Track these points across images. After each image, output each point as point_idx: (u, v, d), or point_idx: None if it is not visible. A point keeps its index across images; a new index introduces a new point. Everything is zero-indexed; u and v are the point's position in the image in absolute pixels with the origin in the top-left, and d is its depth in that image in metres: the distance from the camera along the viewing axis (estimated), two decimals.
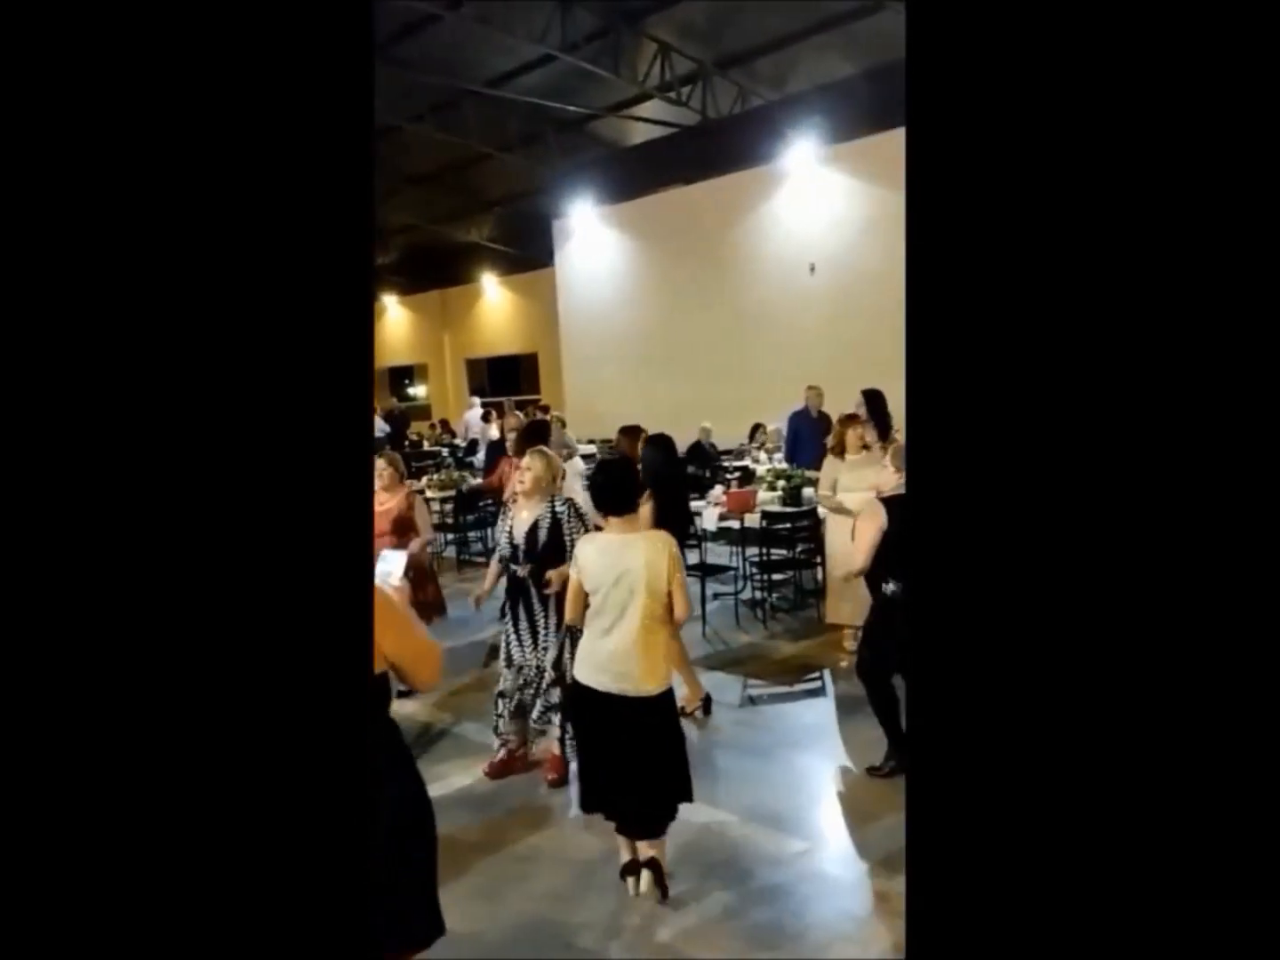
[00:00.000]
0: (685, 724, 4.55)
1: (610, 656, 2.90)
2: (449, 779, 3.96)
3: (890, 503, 3.59)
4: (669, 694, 2.98)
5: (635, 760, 2.94)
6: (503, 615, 4.05)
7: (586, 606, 2.98)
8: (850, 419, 5.43)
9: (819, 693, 4.91)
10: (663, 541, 2.92)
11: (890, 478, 3.75)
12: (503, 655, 3.98)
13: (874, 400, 5.62)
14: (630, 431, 5.31)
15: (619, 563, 2.87)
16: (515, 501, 3.95)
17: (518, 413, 7.27)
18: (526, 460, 3.89)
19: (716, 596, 6.42)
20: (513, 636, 3.92)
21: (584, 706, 3.01)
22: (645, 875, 3.00)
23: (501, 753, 4.00)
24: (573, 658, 3.20)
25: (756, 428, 7.97)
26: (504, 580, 4.00)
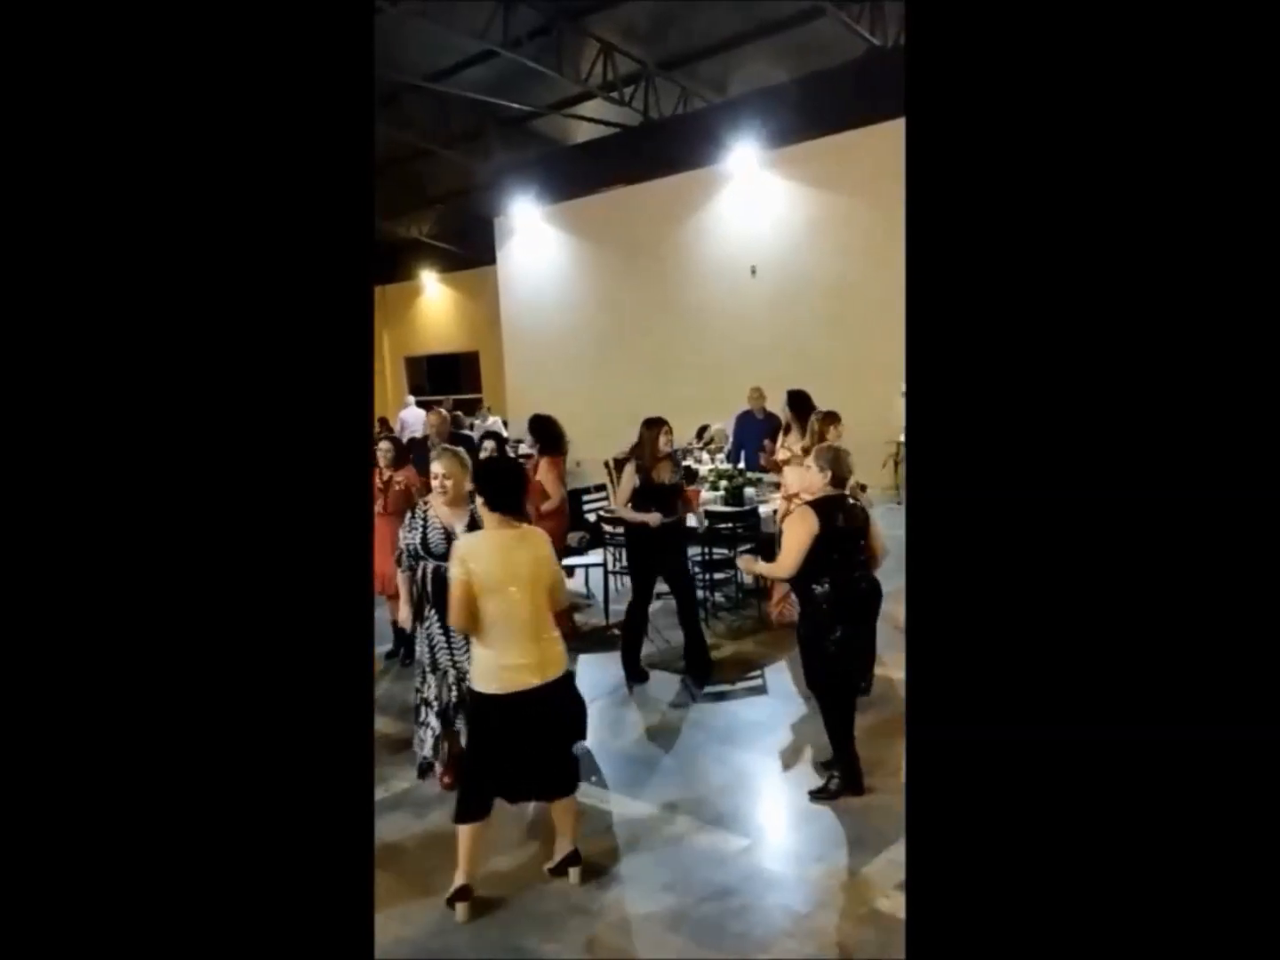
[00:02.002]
0: (630, 722, 4.56)
1: (522, 654, 2.94)
2: (389, 782, 3.90)
3: (819, 505, 3.60)
4: (570, 671, 3.18)
5: (547, 741, 3.06)
6: (421, 619, 3.83)
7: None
8: (830, 417, 5.40)
9: (760, 690, 4.94)
10: (542, 537, 3.11)
11: (816, 479, 3.74)
12: (425, 660, 3.80)
13: (797, 401, 5.68)
14: (653, 424, 5.11)
15: (515, 559, 2.96)
16: (428, 502, 3.82)
17: (441, 410, 7.15)
18: (443, 466, 3.72)
19: (659, 596, 6.43)
20: (439, 639, 3.74)
21: (493, 713, 2.96)
22: (575, 871, 3.12)
23: (439, 765, 3.87)
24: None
25: (703, 428, 8.01)
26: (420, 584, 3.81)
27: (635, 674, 5.11)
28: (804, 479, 3.87)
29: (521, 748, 3.01)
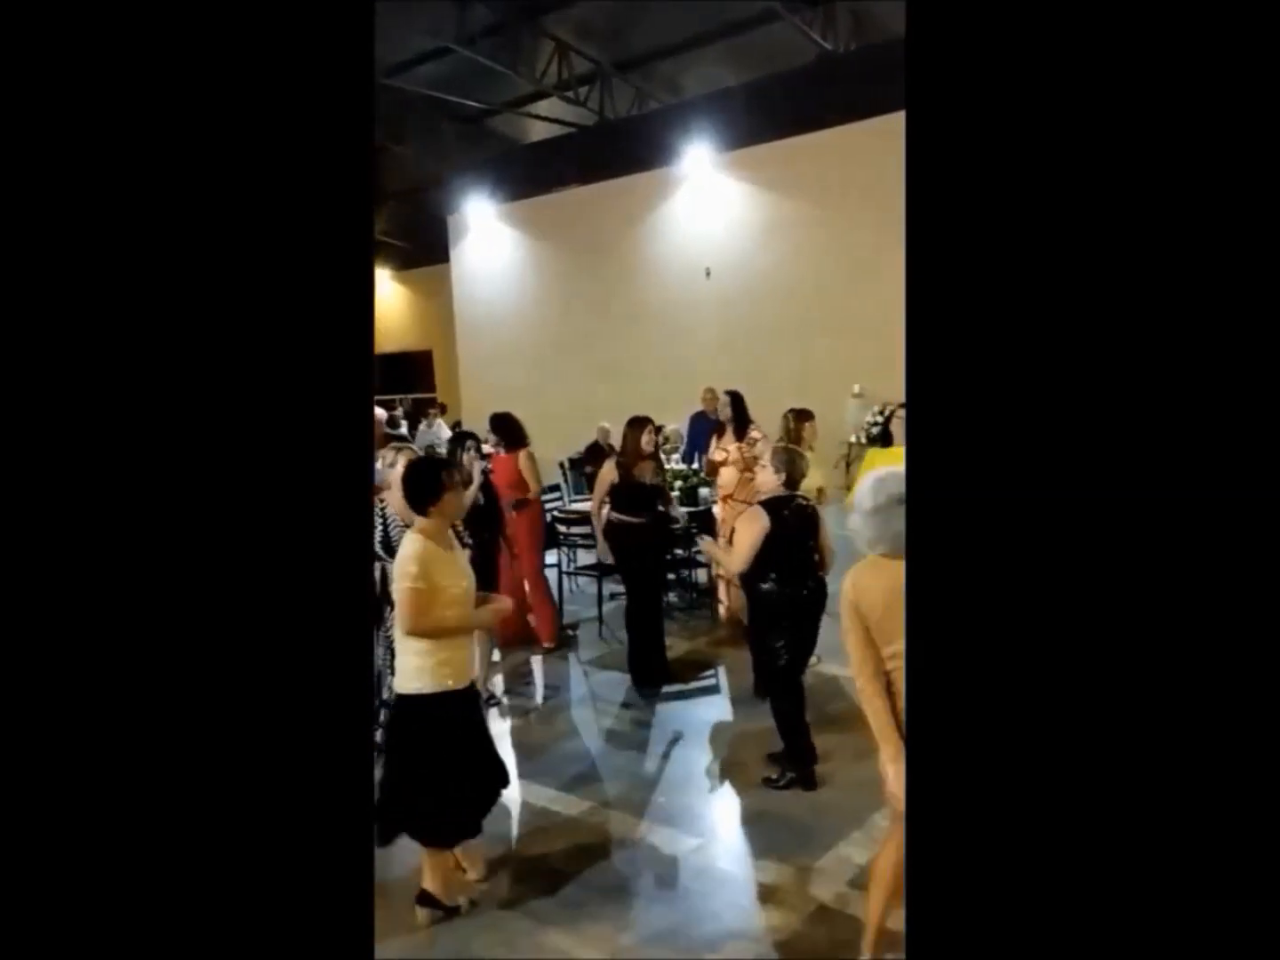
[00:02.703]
0: (583, 722, 4.55)
1: (467, 652, 2.94)
2: None
3: (770, 505, 3.64)
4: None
5: (479, 749, 2.98)
6: (380, 622, 3.76)
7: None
8: (803, 414, 5.44)
9: (713, 690, 4.95)
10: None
11: (770, 478, 3.78)
12: (383, 664, 3.72)
13: (739, 402, 5.73)
14: (637, 423, 5.08)
15: (461, 559, 2.97)
16: (385, 500, 3.78)
17: (378, 409, 7.05)
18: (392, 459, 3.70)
19: (613, 597, 6.42)
20: (380, 645, 3.70)
21: (429, 715, 2.85)
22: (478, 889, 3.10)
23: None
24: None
25: (656, 428, 8.01)
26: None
27: (646, 679, 4.94)
28: (759, 479, 3.89)
29: (455, 755, 2.88)
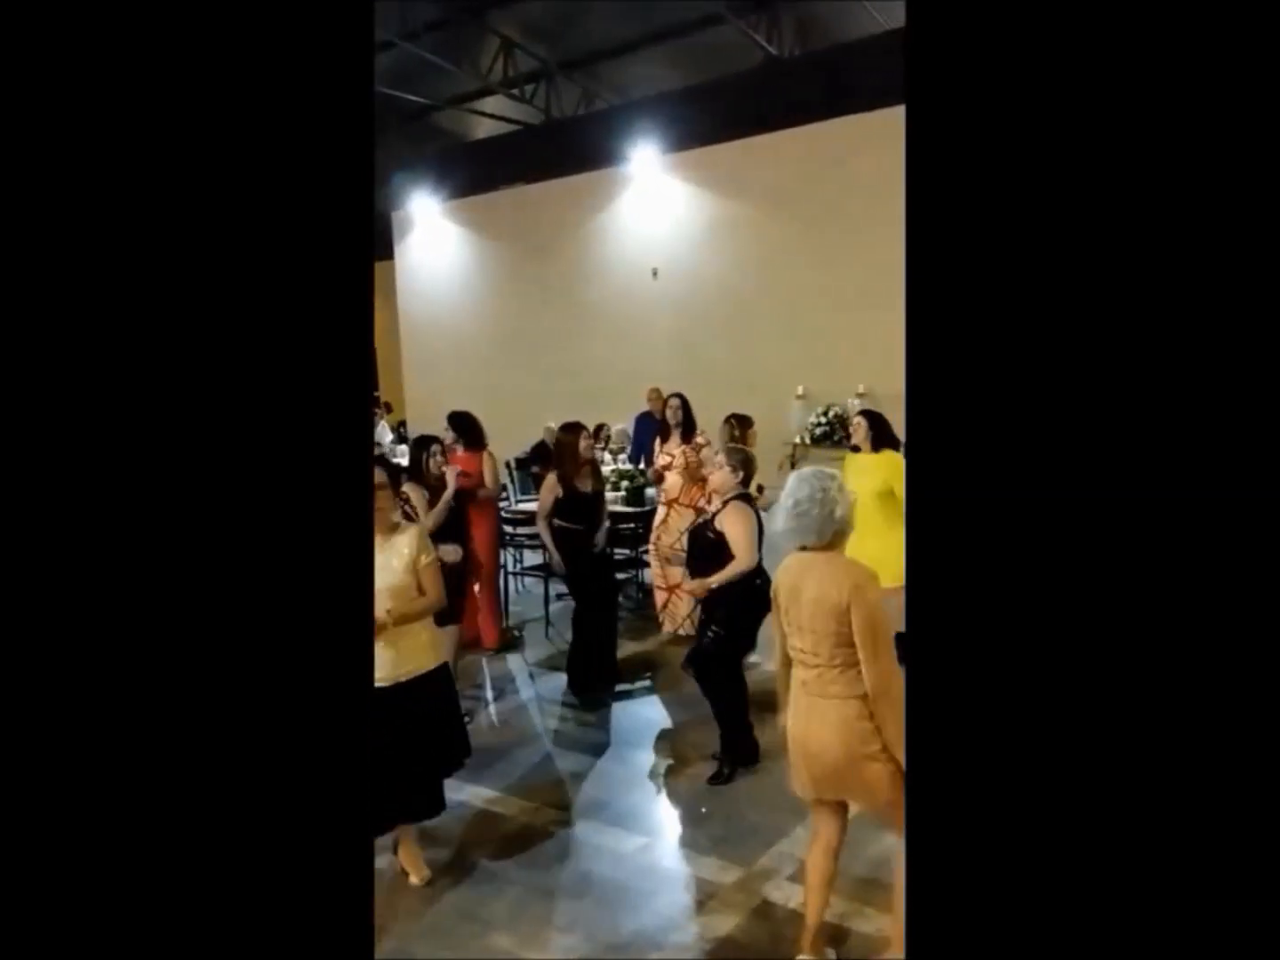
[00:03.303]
0: (527, 724, 4.53)
1: (385, 654, 2.97)
2: None
3: (745, 500, 3.77)
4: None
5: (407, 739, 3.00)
6: None
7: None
8: (744, 420, 5.50)
9: (657, 690, 4.98)
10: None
11: (728, 478, 3.83)
12: None
13: (685, 405, 5.78)
14: (571, 429, 4.99)
15: (383, 558, 3.03)
16: None
17: None
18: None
19: (560, 597, 6.41)
20: None
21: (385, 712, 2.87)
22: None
23: None
24: None
25: (599, 428, 8.01)
26: None
27: (583, 687, 4.89)
28: (716, 479, 3.93)
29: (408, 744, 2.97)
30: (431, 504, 4.37)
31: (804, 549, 2.43)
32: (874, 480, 4.41)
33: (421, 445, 4.66)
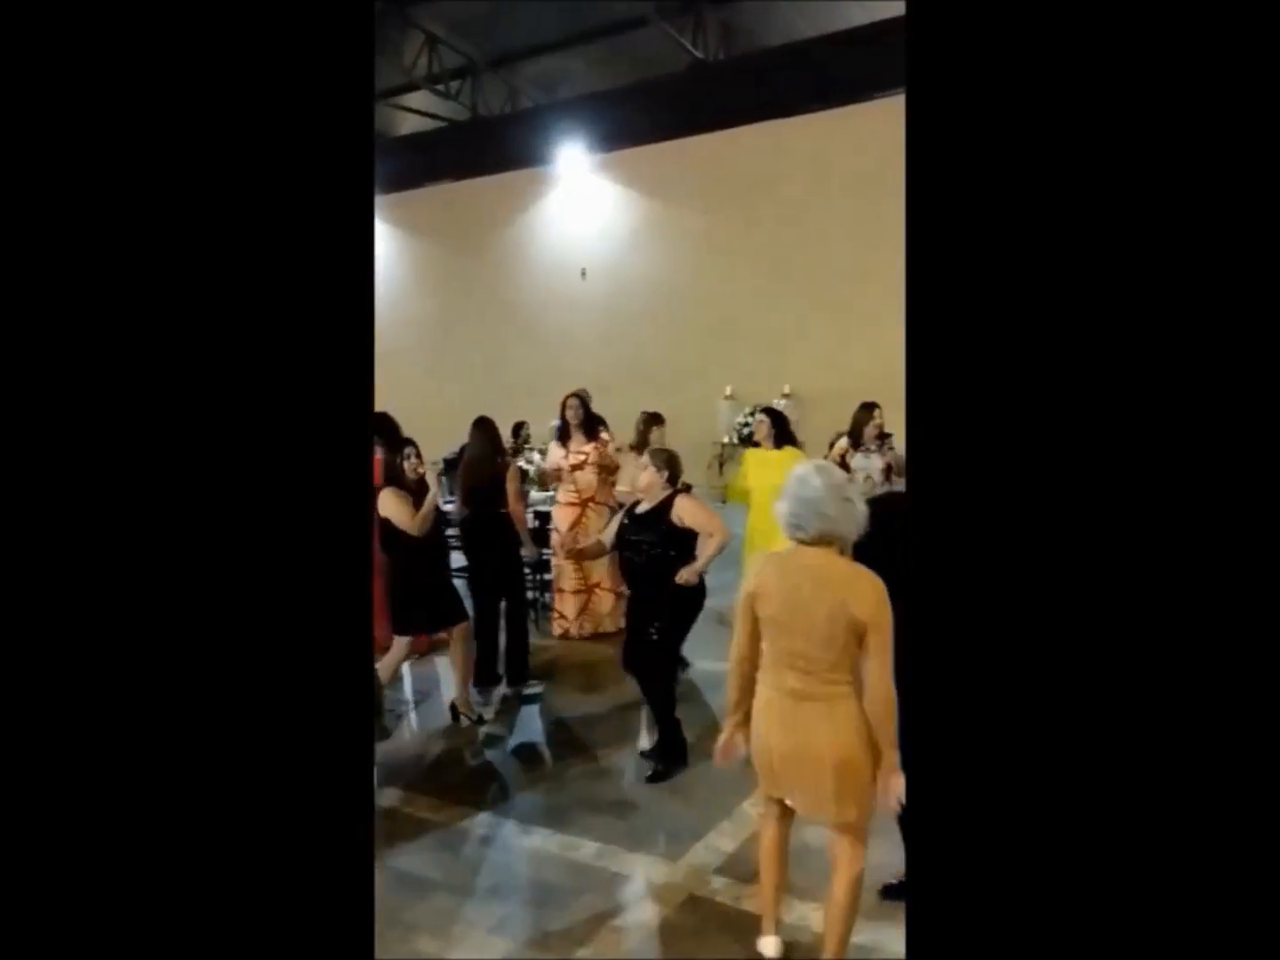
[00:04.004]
0: (441, 728, 4.48)
1: None
2: None
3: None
4: None
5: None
6: None
7: None
8: (654, 418, 5.52)
9: (588, 689, 4.98)
10: None
11: (653, 477, 3.85)
12: None
13: (585, 404, 5.81)
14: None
15: None
16: None
17: None
18: None
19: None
20: None
21: None
22: None
23: None
24: None
25: (519, 426, 7.93)
26: None
27: (479, 678, 4.91)
28: (644, 480, 3.93)
29: None
30: (417, 506, 4.22)
31: (800, 542, 2.32)
32: (777, 475, 4.47)
33: (396, 448, 4.47)
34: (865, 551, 2.85)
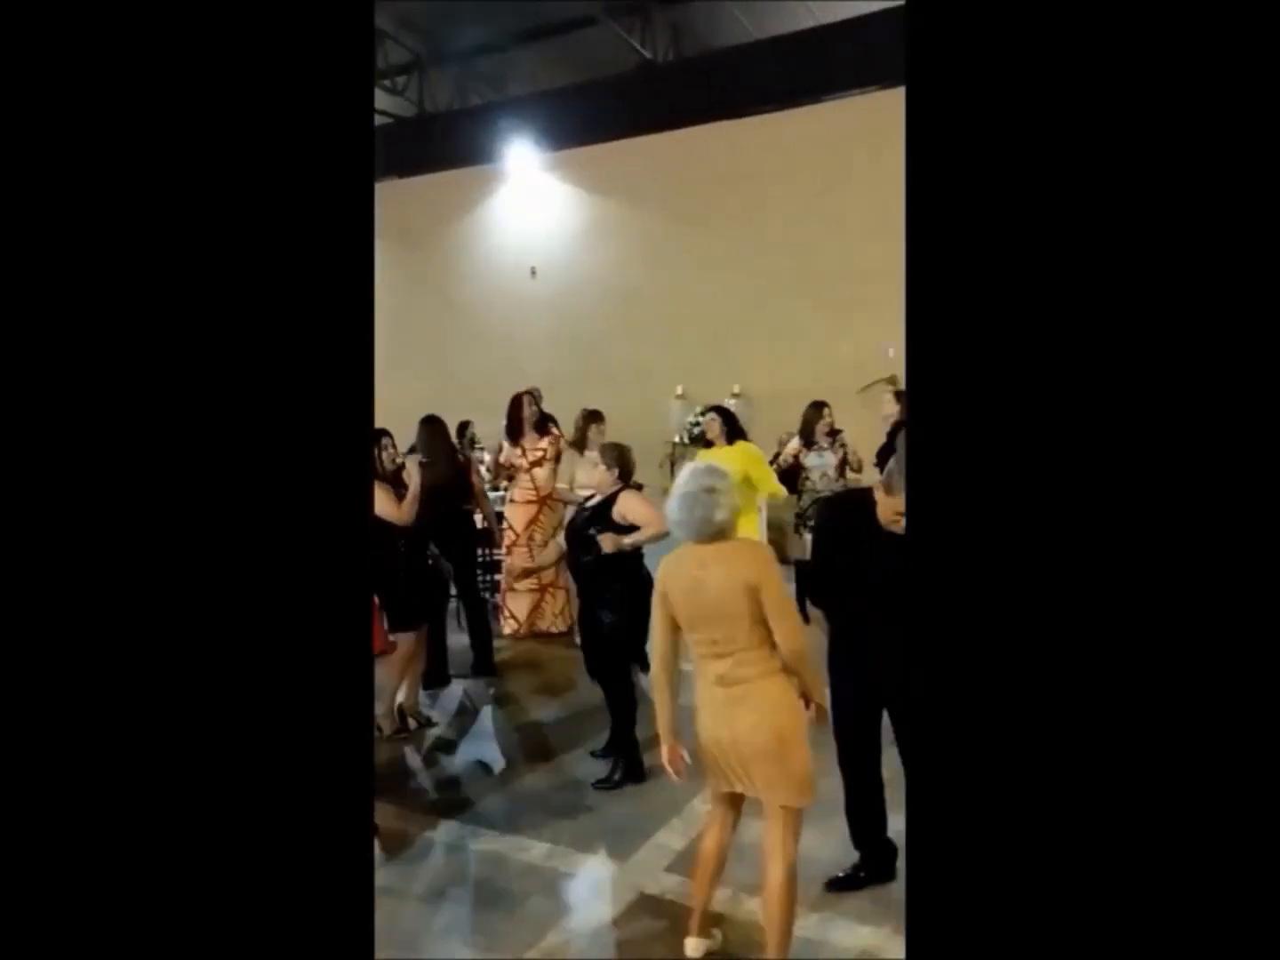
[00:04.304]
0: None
1: None
2: None
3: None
4: None
5: None
6: None
7: None
8: (593, 415, 5.53)
9: (544, 690, 4.96)
10: None
11: (604, 474, 3.85)
12: None
13: (537, 401, 5.83)
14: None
15: None
16: None
17: None
18: None
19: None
20: None
21: None
22: None
23: None
24: None
25: (464, 425, 7.88)
26: None
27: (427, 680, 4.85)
28: (595, 477, 3.93)
29: None
30: (400, 498, 4.13)
31: (696, 542, 2.43)
32: (733, 470, 4.56)
33: (371, 439, 4.23)
34: (825, 546, 2.92)
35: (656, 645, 2.52)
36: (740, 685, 2.37)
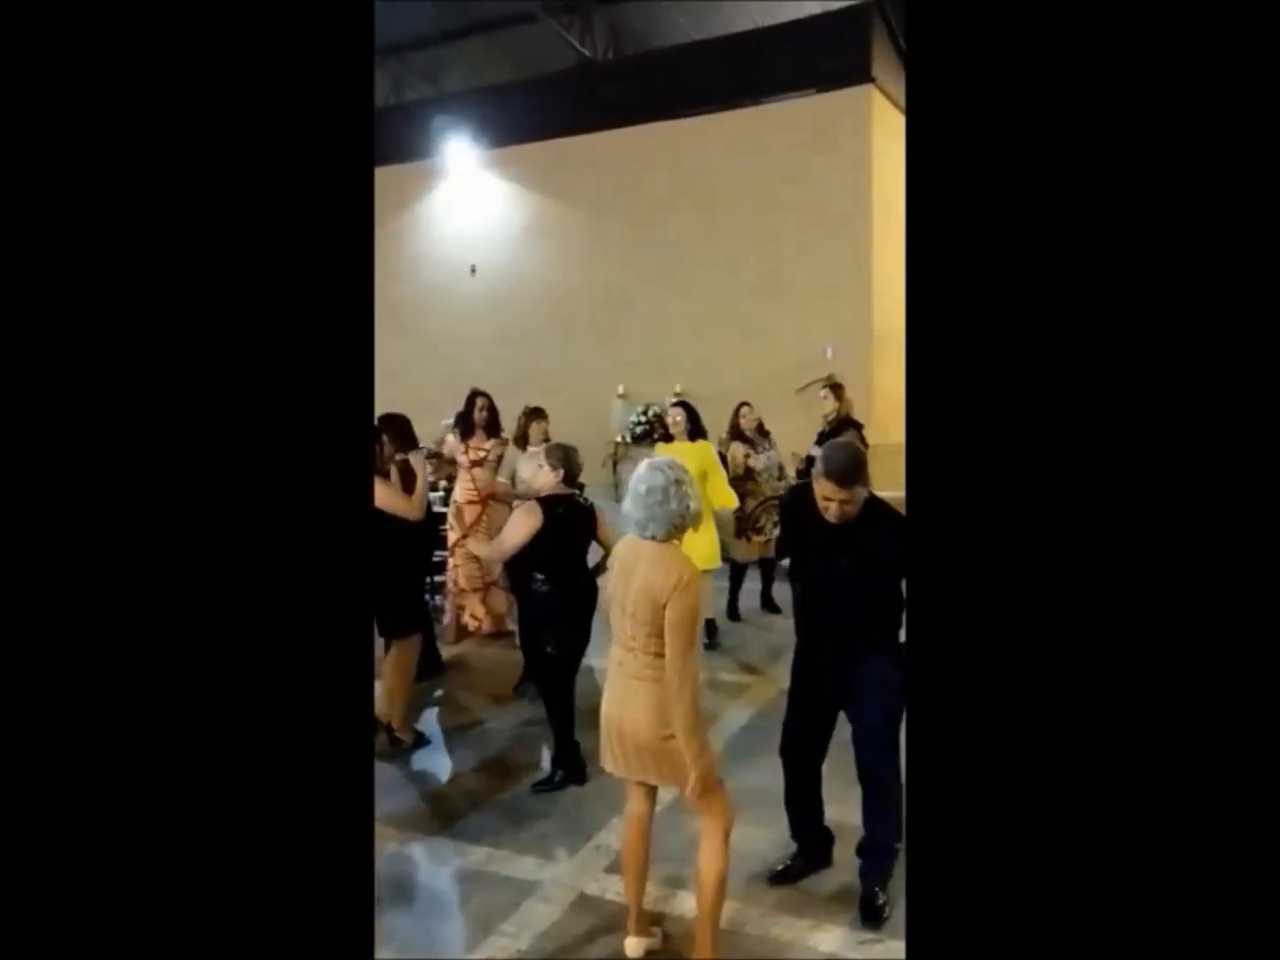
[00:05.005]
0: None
1: None
2: None
3: (546, 502, 3.67)
4: None
5: None
6: None
7: None
8: (535, 412, 5.50)
9: (483, 691, 4.91)
10: None
11: (548, 476, 3.80)
12: None
13: (489, 401, 5.79)
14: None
15: None
16: None
17: None
18: None
19: None
20: None
21: None
22: None
23: None
24: None
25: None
26: None
27: None
28: (540, 479, 3.88)
29: None
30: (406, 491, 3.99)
31: (652, 539, 2.41)
32: (691, 466, 4.56)
33: (373, 434, 4.00)
34: (788, 544, 2.98)
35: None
36: (637, 680, 2.42)
